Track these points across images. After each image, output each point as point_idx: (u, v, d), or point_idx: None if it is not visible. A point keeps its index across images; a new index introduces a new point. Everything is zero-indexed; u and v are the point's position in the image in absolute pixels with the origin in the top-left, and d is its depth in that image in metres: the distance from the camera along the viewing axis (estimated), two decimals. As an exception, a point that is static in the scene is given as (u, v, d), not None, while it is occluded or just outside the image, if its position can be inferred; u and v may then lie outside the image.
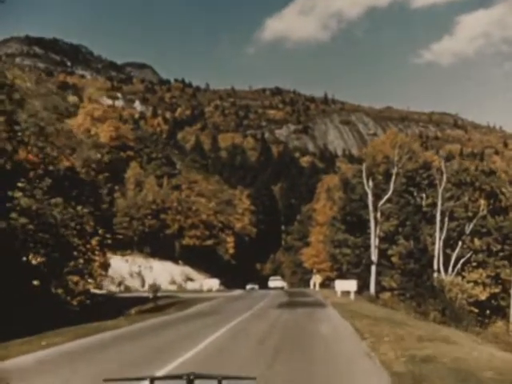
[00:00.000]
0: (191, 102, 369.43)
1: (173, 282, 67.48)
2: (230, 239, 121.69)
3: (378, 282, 62.35)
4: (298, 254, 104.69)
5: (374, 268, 61.41)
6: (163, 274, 68.26)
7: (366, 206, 63.00)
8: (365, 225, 63.86)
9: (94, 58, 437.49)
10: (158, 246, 70.31)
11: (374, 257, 61.50)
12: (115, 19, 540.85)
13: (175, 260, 73.46)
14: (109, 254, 65.97)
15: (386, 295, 61.36)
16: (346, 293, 42.89)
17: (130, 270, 65.60)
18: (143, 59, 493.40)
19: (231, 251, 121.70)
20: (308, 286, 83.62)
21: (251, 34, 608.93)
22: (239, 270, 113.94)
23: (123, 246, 68.64)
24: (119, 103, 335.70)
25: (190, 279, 70.24)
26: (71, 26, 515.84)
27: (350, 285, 44.44)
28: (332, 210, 78.37)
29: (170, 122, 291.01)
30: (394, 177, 61.99)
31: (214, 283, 58.49)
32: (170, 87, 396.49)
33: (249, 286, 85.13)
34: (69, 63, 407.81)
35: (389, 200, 62.93)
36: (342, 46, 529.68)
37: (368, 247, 63.01)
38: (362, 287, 64.65)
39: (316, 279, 64.68)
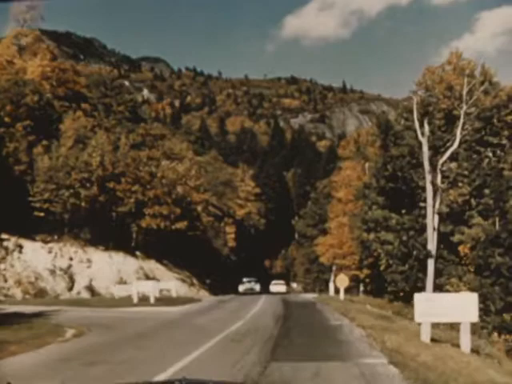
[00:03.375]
0: (202, 90, 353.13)
1: (124, 283, 44.32)
2: (230, 229, 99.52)
3: (437, 286, 39.59)
4: (312, 245, 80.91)
5: (431, 263, 38.70)
6: (108, 270, 45.25)
7: (419, 165, 40.10)
8: (416, 195, 40.93)
9: (107, 52, 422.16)
10: (104, 229, 47.11)
11: (432, 245, 38.75)
12: (130, 13, 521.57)
13: (130, 251, 50.27)
14: (21, 240, 43.53)
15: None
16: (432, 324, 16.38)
17: (51, 265, 42.80)
18: (158, 54, 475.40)
19: (231, 244, 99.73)
20: (326, 289, 60.83)
21: (270, 31, 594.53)
22: (242, 268, 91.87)
23: (46, 229, 46.00)
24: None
25: (152, 279, 47.28)
26: (84, 19, 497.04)
27: (463, 306, 15.03)
28: (360, 180, 55.07)
29: (175, 108, 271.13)
30: (462, 120, 39.05)
31: (151, 288, 34.54)
32: (180, 75, 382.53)
33: (244, 287, 61.20)
34: (82, 56, 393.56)
35: (454, 156, 40.21)
36: (362, 43, 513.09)
37: (422, 230, 40.10)
38: (411, 295, 41.44)
39: (339, 281, 40.15)
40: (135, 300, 32.09)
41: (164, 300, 34.09)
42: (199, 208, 62.92)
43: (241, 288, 61.29)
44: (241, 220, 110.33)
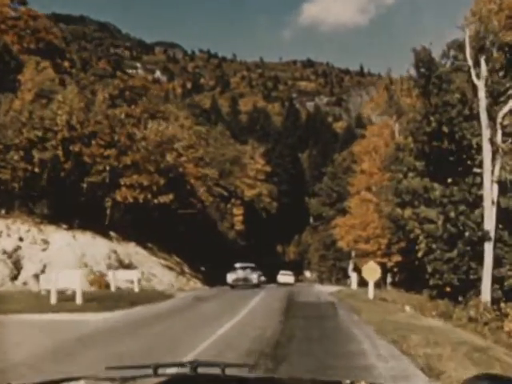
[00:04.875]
0: (216, 72, 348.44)
1: (90, 272, 34.86)
2: (238, 211, 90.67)
3: (496, 279, 29.99)
4: (328, 227, 70.99)
5: (489, 248, 29.12)
6: (70, 255, 35.75)
7: (473, 118, 30.36)
8: (468, 158, 31.09)
9: (121, 36, 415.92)
10: (68, 203, 37.50)
11: (491, 224, 29.12)
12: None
13: (102, 231, 40.48)
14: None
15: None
16: None
17: (-8, 247, 33.30)
18: (173, 39, 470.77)
19: (239, 227, 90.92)
20: (344, 278, 51.33)
21: (287, 17, 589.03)
22: (251, 254, 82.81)
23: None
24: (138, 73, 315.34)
25: (128, 266, 37.81)
26: (98, 3, 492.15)
27: None
28: (388, 147, 45.05)
29: (186, 88, 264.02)
30: (530, 59, 29.29)
31: (78, 280, 23.30)
32: (193, 57, 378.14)
33: (234, 276, 44.66)
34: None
35: (519, 107, 30.32)
36: (381, 29, 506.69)
37: (476, 205, 30.40)
38: (462, 290, 31.58)
39: (368, 272, 28.85)
40: (53, 300, 21.57)
41: (109, 297, 23.71)
42: (196, 182, 53.33)
43: (229, 278, 45.03)
44: (250, 202, 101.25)
